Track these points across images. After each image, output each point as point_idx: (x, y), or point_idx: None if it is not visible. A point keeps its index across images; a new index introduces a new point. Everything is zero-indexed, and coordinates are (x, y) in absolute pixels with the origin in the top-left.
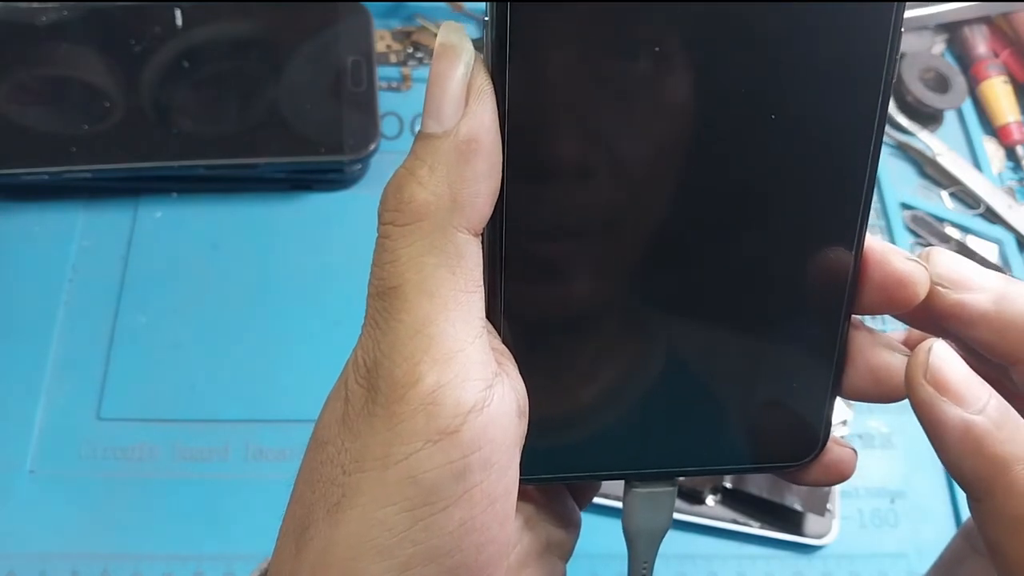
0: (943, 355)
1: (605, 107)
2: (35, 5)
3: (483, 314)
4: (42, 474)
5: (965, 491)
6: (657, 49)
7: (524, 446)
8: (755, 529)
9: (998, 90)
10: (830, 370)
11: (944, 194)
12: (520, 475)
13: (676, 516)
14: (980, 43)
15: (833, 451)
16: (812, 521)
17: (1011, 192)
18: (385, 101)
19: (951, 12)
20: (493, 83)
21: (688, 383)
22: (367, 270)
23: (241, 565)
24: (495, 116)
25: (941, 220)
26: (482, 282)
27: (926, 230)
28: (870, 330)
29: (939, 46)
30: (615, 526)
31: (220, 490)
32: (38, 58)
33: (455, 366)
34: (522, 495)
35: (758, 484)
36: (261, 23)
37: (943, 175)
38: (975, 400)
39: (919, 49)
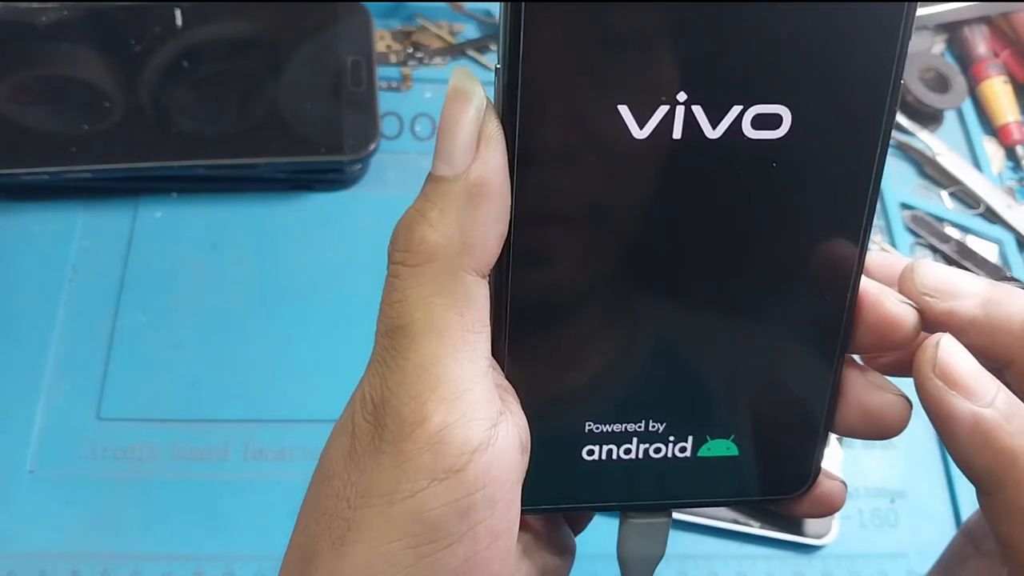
0: (951, 349)
1: (614, 156)
2: (35, 5)
3: (488, 353)
4: (42, 474)
5: (975, 484)
6: (663, 96)
7: (525, 478)
8: (755, 529)
9: (998, 90)
10: (824, 407)
11: (944, 194)
12: (521, 506)
13: (676, 516)
14: (980, 43)
15: (824, 484)
16: (812, 521)
17: (1011, 192)
18: (385, 101)
19: (951, 12)
20: (504, 129)
21: (681, 419)
22: (367, 270)
23: (241, 565)
24: (505, 161)
25: (941, 220)
26: (488, 322)
27: (926, 230)
28: (863, 368)
29: (939, 46)
30: (614, 525)
31: (220, 490)
32: (38, 58)
33: (461, 406)
34: (521, 525)
35: None
36: (261, 23)
37: (943, 175)
38: (984, 393)
39: (919, 49)
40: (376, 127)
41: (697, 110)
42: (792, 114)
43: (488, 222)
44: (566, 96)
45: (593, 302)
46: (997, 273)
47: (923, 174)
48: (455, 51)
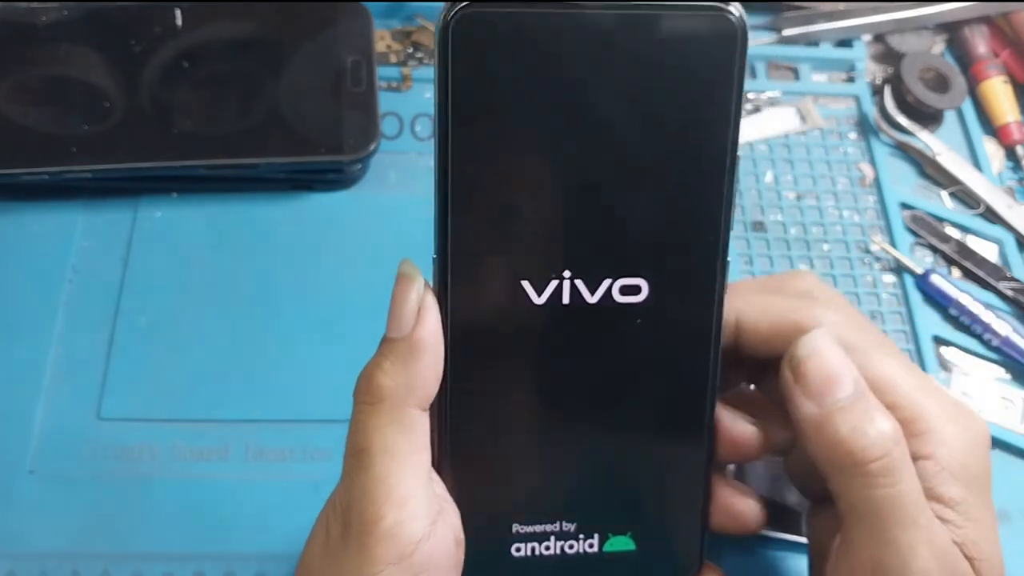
0: (808, 347)
1: (521, 318)
2: (35, 5)
3: (429, 467)
4: (42, 474)
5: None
6: (553, 274)
7: (466, 573)
8: None
9: (998, 90)
10: (699, 509)
11: (944, 194)
12: None
13: None
14: (980, 43)
15: (705, 572)
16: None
17: (1011, 192)
18: (385, 101)
19: (951, 12)
20: (439, 301)
21: (588, 521)
22: (367, 269)
23: (241, 565)
24: (439, 326)
25: (941, 220)
26: (429, 444)
27: (926, 230)
28: (729, 480)
29: (939, 46)
30: None
31: (220, 490)
32: (38, 58)
33: (409, 508)
34: None
35: (757, 483)
36: (261, 23)
37: (943, 175)
38: (828, 394)
39: (919, 49)
40: (376, 127)
41: (579, 283)
42: (649, 284)
43: (427, 369)
44: (485, 276)
45: (512, 427)
46: (997, 273)
47: (923, 174)
48: None
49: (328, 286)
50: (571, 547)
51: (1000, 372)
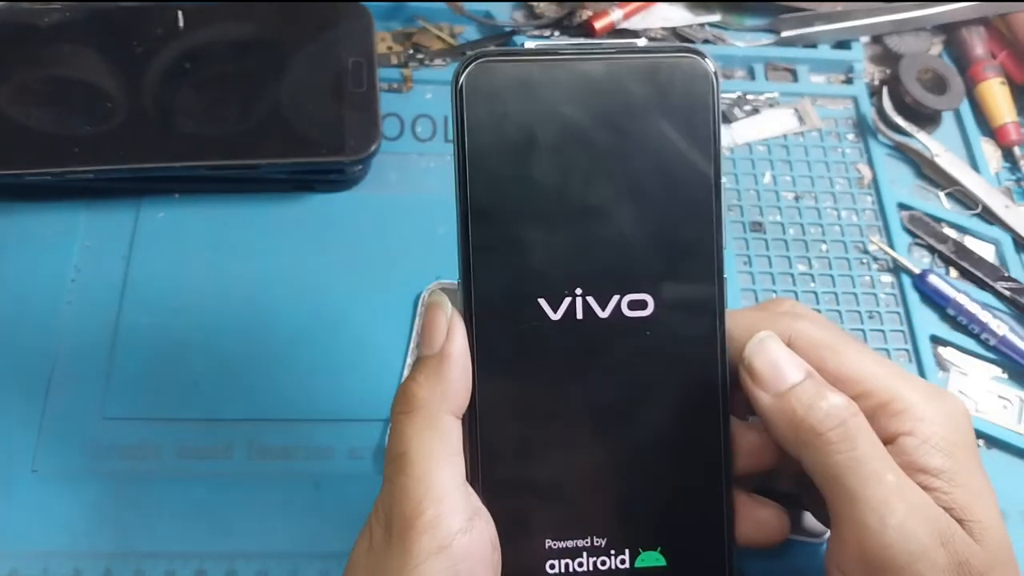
0: (751, 351)
1: (540, 333)
2: (37, 6)
3: (463, 472)
4: (45, 473)
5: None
6: (567, 292)
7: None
8: None
9: (996, 91)
10: (724, 523)
11: (941, 194)
12: None
13: None
14: (978, 44)
15: None
16: (812, 519)
17: (1008, 192)
18: (386, 102)
19: (949, 13)
20: (466, 323)
21: (619, 536)
22: (368, 269)
23: (243, 563)
24: (465, 343)
25: (939, 220)
26: (462, 450)
27: (923, 230)
28: (750, 494)
29: (937, 47)
30: None
31: (223, 489)
32: (40, 59)
33: (447, 503)
34: None
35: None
36: (262, 24)
37: (941, 175)
38: (776, 383)
39: (917, 50)
40: (377, 128)
41: (590, 299)
42: (653, 298)
43: (457, 380)
44: (505, 296)
45: (540, 442)
46: (995, 273)
47: (921, 175)
48: (455, 52)
49: (329, 286)
50: (603, 563)
51: (997, 372)
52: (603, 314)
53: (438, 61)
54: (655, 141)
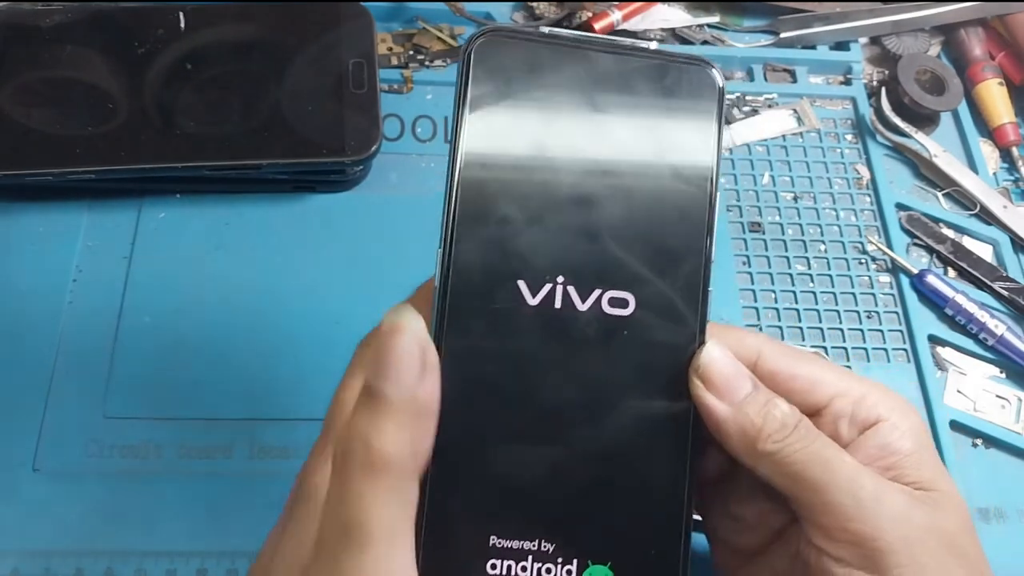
0: (710, 356)
1: (516, 315)
2: (39, 7)
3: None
4: (47, 472)
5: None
6: (547, 277)
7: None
8: None
9: (994, 92)
10: (680, 543)
11: (940, 195)
12: None
13: None
14: (976, 45)
15: None
16: None
17: (1006, 193)
18: (386, 103)
19: (947, 14)
20: (440, 294)
21: (568, 544)
22: (368, 269)
23: (244, 562)
24: (438, 385)
25: (937, 221)
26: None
27: (922, 231)
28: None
29: (935, 48)
30: None
31: (224, 487)
32: (42, 60)
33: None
34: None
35: None
36: (263, 25)
37: (939, 176)
38: (734, 392)
39: (915, 51)
40: (378, 129)
41: (571, 289)
42: (635, 299)
43: (431, 432)
44: (485, 271)
45: (498, 430)
46: (993, 273)
47: (919, 175)
48: (456, 53)
49: (329, 286)
50: (548, 571)
51: (995, 371)
52: (582, 307)
53: (438, 62)
54: (655, 143)
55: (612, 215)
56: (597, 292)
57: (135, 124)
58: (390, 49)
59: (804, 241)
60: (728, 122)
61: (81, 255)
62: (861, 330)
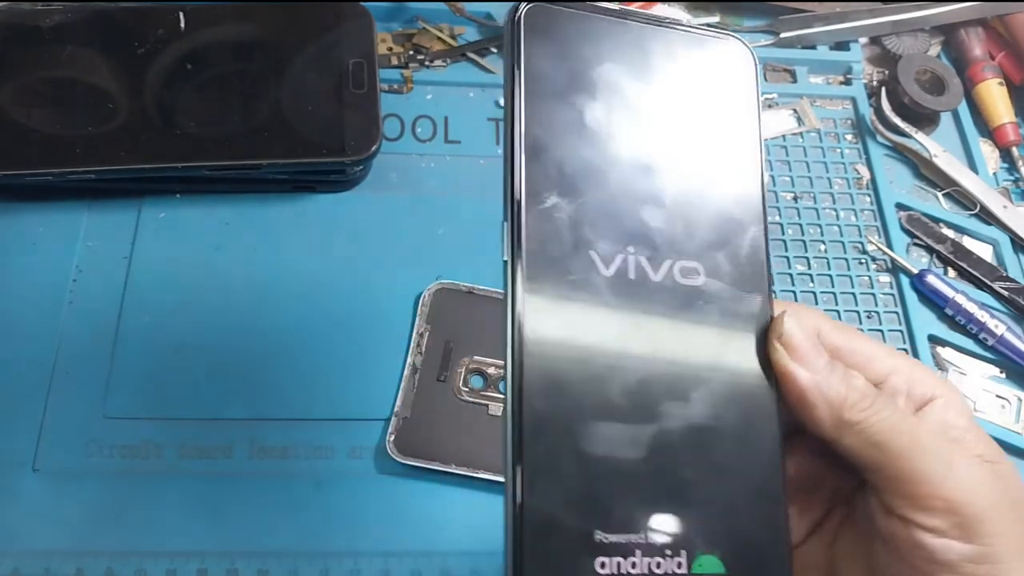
0: (791, 324)
1: (591, 286)
2: (40, 7)
3: None
4: (47, 472)
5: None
6: (619, 248)
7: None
8: None
9: (994, 92)
10: (783, 530)
11: (940, 195)
12: None
13: None
14: (976, 45)
15: None
16: None
17: (1006, 193)
18: (386, 103)
19: (947, 14)
20: (512, 271)
21: (675, 536)
22: (368, 269)
23: (244, 562)
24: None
25: (937, 220)
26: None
27: (922, 230)
28: None
29: (935, 48)
30: None
31: (224, 487)
32: (42, 60)
33: None
34: None
35: None
36: (263, 25)
37: (939, 176)
38: (813, 361)
39: (915, 51)
40: (378, 129)
41: (643, 259)
42: (704, 268)
43: None
44: (555, 242)
45: (588, 417)
46: (993, 273)
47: (919, 175)
48: (456, 53)
49: (330, 285)
50: (658, 566)
51: (995, 371)
52: (656, 277)
53: (438, 62)
54: (704, 115)
55: (671, 186)
56: (668, 263)
57: (135, 124)
58: (390, 49)
59: (804, 241)
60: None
61: (81, 255)
62: (861, 330)
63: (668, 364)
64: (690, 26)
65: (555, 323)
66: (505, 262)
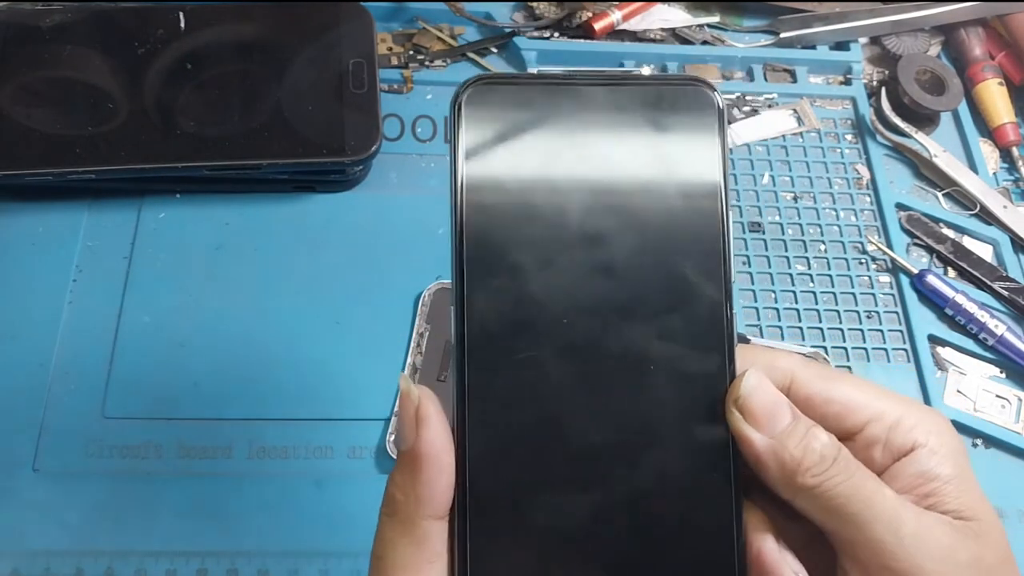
0: (749, 385)
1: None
2: (40, 7)
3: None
4: (47, 472)
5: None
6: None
7: None
8: None
9: (994, 92)
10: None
11: (940, 195)
12: None
13: None
14: (976, 45)
15: None
16: None
17: (1006, 193)
18: (386, 103)
19: (947, 14)
20: (458, 350)
21: None
22: (368, 269)
23: (244, 561)
24: (440, 435)
25: (937, 220)
26: (444, 551)
27: (922, 230)
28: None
29: (935, 48)
30: None
31: (223, 487)
32: (43, 60)
33: None
34: None
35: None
36: (263, 25)
37: (939, 176)
38: (770, 423)
39: (915, 51)
40: (378, 128)
41: (592, 329)
42: (657, 332)
43: (433, 480)
44: (501, 319)
45: (532, 481)
46: (993, 273)
47: (919, 175)
48: (456, 53)
49: (330, 285)
50: None
51: (995, 371)
52: (605, 344)
53: (438, 62)
54: (660, 171)
55: (625, 248)
56: (618, 330)
57: (135, 124)
58: (390, 49)
59: (804, 241)
60: (728, 122)
61: (81, 255)
62: (861, 330)
63: (612, 430)
64: (651, 78)
65: (496, 400)
66: (452, 344)
